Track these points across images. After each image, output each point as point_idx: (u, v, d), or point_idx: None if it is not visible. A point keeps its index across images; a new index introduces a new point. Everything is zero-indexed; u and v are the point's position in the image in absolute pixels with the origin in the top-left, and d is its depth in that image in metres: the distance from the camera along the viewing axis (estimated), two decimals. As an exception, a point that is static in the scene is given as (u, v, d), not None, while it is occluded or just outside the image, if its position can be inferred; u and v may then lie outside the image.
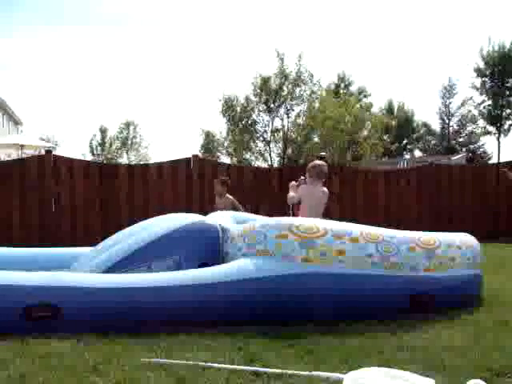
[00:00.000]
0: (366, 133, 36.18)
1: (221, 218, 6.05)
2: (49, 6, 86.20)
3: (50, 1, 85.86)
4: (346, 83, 49.73)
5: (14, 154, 25.60)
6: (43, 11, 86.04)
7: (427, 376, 3.51)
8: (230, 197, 8.44)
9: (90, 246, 6.64)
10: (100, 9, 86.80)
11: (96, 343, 4.27)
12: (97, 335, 4.38)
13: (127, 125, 58.33)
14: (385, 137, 41.16)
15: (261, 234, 5.22)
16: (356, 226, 5.51)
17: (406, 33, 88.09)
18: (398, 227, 6.11)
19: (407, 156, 59.35)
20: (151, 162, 27.91)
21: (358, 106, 36.07)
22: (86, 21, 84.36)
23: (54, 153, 12.65)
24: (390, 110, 58.19)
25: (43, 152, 13.20)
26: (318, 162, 6.94)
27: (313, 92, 35.50)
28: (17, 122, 46.44)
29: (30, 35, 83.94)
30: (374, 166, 29.77)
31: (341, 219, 5.92)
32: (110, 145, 58.52)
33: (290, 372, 3.61)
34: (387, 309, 5.21)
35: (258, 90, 35.39)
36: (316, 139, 36.25)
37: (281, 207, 12.29)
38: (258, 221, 5.56)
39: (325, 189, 6.75)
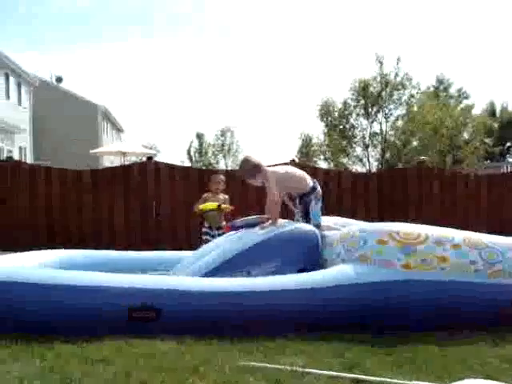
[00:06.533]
0: (466, 136, 35.19)
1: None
2: (144, 16, 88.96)
3: (145, 11, 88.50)
4: (445, 85, 48.41)
5: (117, 161, 26.58)
6: (139, 23, 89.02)
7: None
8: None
9: (191, 249, 6.79)
10: (199, 17, 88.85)
11: (196, 345, 4.35)
12: (197, 337, 4.46)
13: (224, 131, 59.20)
14: (487, 139, 39.85)
15: (360, 239, 5.16)
16: (458, 231, 5.35)
17: (506, 29, 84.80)
18: (501, 233, 5.88)
19: (511, 159, 57.06)
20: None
21: (458, 108, 35.15)
22: (183, 29, 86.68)
23: (155, 159, 13.04)
24: (492, 111, 56.19)
25: (145, 159, 13.62)
26: (246, 158, 6.28)
27: (412, 96, 34.85)
28: (119, 130, 48.24)
29: (127, 45, 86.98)
30: (476, 169, 28.81)
31: (441, 224, 5.77)
32: (206, 153, 59.50)
33: (389, 380, 3.54)
34: (490, 318, 5.02)
35: (357, 95, 35.10)
36: (415, 143, 35.58)
37: (378, 211, 12.17)
38: (358, 226, 5.50)
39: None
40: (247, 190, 11.67)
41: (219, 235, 7.41)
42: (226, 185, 8.32)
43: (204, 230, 7.87)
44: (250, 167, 6.06)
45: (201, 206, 7.74)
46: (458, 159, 34.77)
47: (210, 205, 7.71)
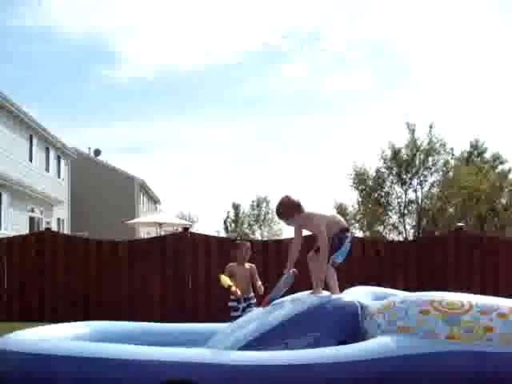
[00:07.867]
0: (504, 201, 34.79)
1: (359, 295, 5.88)
2: (175, 93, 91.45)
3: (173, 90, 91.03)
4: (480, 151, 48.15)
5: (153, 232, 26.79)
6: (176, 99, 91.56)
7: None
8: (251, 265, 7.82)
9: (226, 321, 6.67)
10: (234, 92, 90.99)
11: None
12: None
13: (259, 201, 59.60)
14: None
15: (401, 310, 4.99)
16: (504, 299, 5.15)
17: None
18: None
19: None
20: (284, 237, 28.07)
21: (493, 173, 34.91)
22: (216, 102, 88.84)
23: (190, 230, 13.07)
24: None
25: (180, 229, 13.66)
26: (287, 195, 5.75)
27: (446, 162, 34.78)
28: (155, 201, 48.85)
29: (163, 119, 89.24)
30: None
31: (482, 293, 5.59)
32: (242, 223, 59.81)
33: None
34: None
35: (389, 163, 35.16)
36: (451, 209, 35.25)
37: (418, 280, 11.91)
38: (398, 296, 5.35)
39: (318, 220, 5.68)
40: (281, 260, 11.56)
41: (248, 306, 7.34)
42: (262, 255, 8.21)
43: (231, 304, 7.63)
44: (291, 205, 5.66)
45: (218, 278, 7.51)
46: (497, 225, 34.24)
47: (223, 282, 7.38)
